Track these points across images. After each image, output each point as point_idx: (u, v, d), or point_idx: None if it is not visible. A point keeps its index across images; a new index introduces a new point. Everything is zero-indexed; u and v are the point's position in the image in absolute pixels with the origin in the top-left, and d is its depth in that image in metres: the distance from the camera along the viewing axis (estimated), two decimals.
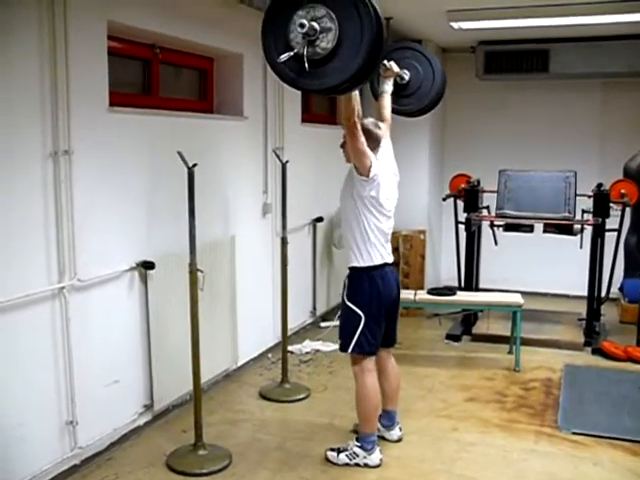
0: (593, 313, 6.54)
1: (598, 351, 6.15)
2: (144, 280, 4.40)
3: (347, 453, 4.10)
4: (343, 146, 4.02)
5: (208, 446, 4.19)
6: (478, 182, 6.93)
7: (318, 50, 3.08)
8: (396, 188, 4.18)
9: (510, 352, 6.11)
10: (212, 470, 4.00)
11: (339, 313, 4.24)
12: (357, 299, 4.01)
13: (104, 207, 4.05)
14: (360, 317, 3.97)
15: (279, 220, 5.34)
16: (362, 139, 3.75)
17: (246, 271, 5.52)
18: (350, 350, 4.03)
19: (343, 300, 4.09)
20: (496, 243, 7.00)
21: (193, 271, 4.06)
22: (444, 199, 7.30)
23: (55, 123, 3.61)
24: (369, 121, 4.03)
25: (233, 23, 5.18)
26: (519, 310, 5.83)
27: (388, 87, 4.51)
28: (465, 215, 6.79)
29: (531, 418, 4.81)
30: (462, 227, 6.90)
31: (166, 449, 4.22)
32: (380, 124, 4.17)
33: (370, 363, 4.08)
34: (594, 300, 6.53)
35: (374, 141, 3.99)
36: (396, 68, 4.52)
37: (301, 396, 5.11)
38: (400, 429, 4.43)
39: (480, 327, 6.79)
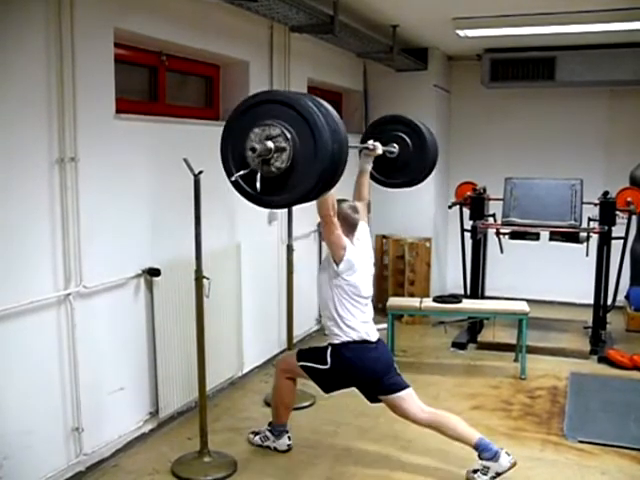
0: (599, 321, 6.52)
1: (604, 359, 6.12)
2: (150, 287, 4.41)
3: (260, 435, 4.43)
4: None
5: (213, 453, 4.18)
6: (484, 190, 6.92)
7: (272, 169, 3.14)
8: (370, 275, 4.15)
9: (516, 360, 6.10)
10: (217, 477, 4.00)
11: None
12: (324, 362, 4.02)
13: (110, 214, 4.06)
14: (325, 371, 4.03)
15: (285, 227, 5.34)
16: (338, 232, 3.80)
17: (252, 278, 5.52)
18: (301, 364, 4.13)
19: (325, 346, 4.07)
20: (502, 251, 6.98)
21: (199, 278, 4.06)
22: (450, 207, 7.29)
23: (62, 130, 3.62)
24: (347, 205, 4.02)
25: (239, 30, 5.19)
26: (525, 318, 5.82)
27: (368, 165, 4.42)
28: (471, 223, 6.78)
29: (537, 426, 4.79)
30: (468, 235, 6.89)
31: (171, 456, 4.21)
32: (358, 206, 4.14)
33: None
34: (600, 308, 6.51)
35: (350, 226, 4.00)
36: (380, 150, 4.40)
37: (306, 403, 5.09)
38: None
39: (486, 335, 6.77)
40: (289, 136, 3.08)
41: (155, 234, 4.44)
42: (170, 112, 4.84)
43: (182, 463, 4.12)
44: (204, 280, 4.08)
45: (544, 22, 6.03)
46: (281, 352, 5.92)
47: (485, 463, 3.92)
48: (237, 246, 5.30)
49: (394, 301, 6.24)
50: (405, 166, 4.68)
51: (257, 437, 4.44)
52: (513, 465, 3.93)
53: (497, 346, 6.51)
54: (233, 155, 3.27)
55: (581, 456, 4.34)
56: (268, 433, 4.40)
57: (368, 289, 4.09)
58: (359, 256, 3.99)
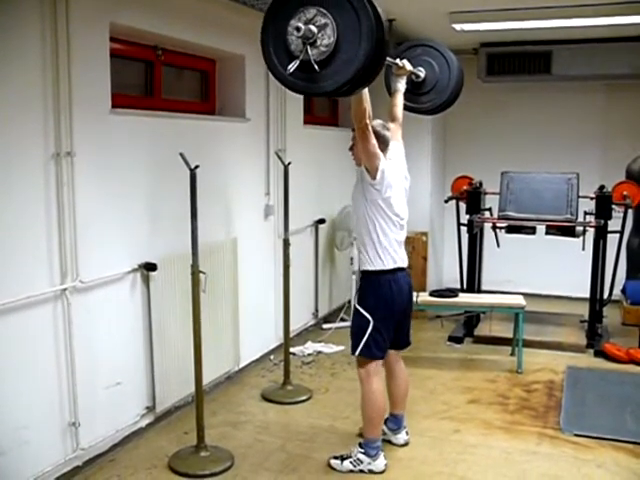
0: (595, 315, 6.53)
1: (600, 353, 6.14)
2: (146, 282, 4.40)
3: (351, 460, 4.06)
4: (352, 149, 4.01)
5: (210, 448, 4.19)
6: (480, 184, 6.92)
7: (322, 49, 3.04)
8: (405, 195, 4.11)
9: (512, 354, 6.10)
10: (214, 472, 4.00)
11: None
12: (366, 303, 3.98)
13: (106, 208, 4.05)
14: (368, 321, 3.93)
15: (281, 222, 5.34)
16: (373, 141, 3.74)
17: (248, 273, 5.52)
18: (358, 353, 4.00)
19: (355, 303, 4.09)
20: (498, 245, 7.00)
21: (195, 273, 4.06)
22: (446, 201, 7.29)
23: (57, 125, 3.62)
24: (377, 123, 3.98)
25: (235, 24, 5.18)
26: (521, 312, 5.83)
27: (401, 85, 4.43)
28: (467, 217, 6.78)
29: (533, 420, 4.80)
30: (464, 229, 6.89)
31: (168, 451, 4.22)
32: (389, 125, 4.14)
33: (377, 367, 4.04)
34: (596, 302, 6.52)
35: (383, 143, 3.93)
36: (409, 66, 4.41)
37: (303, 398, 5.11)
38: (407, 433, 4.39)
39: (482, 329, 6.78)
40: (325, 11, 3.01)
41: (151, 229, 4.44)
42: (166, 107, 4.83)
43: (179, 457, 4.13)
44: (200, 275, 4.08)
45: (540, 16, 6.02)
46: (278, 346, 5.93)
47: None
48: (234, 241, 5.30)
49: None
50: (431, 89, 4.70)
51: (347, 462, 4.07)
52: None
53: (493, 340, 6.52)
54: (279, 59, 3.15)
55: (577, 449, 4.35)
56: (361, 455, 4.05)
57: (403, 209, 4.04)
58: (392, 172, 3.94)
